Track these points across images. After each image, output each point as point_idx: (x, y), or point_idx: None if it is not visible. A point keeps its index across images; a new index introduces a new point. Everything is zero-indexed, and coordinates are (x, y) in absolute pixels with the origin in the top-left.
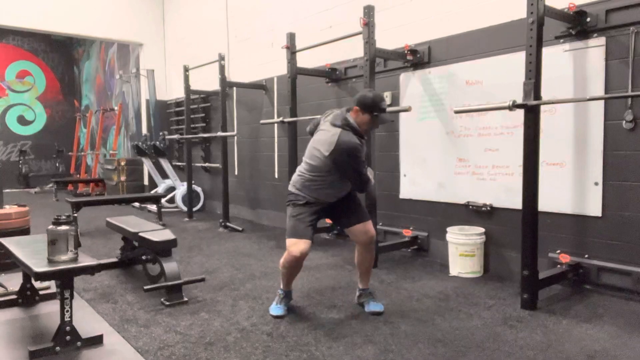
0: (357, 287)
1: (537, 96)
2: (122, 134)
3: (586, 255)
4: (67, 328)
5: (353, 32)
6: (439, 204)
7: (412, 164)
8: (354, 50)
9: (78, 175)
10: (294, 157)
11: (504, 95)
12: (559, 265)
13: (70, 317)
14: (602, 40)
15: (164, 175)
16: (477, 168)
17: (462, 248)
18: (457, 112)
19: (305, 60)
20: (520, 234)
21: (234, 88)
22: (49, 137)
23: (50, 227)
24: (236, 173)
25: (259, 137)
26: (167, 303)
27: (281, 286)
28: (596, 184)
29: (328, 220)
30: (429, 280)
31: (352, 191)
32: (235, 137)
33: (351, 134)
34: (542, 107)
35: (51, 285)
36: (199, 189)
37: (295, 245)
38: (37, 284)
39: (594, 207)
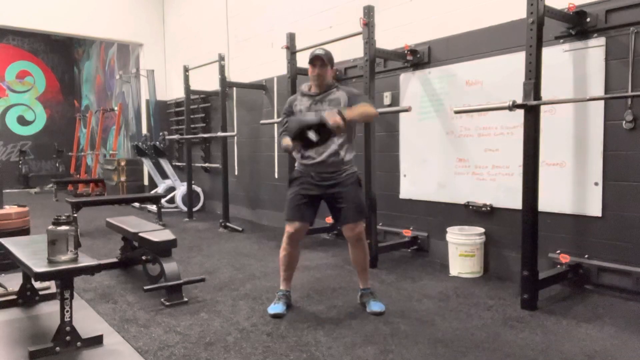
0: (359, 287)
1: (537, 96)
2: (122, 134)
3: (586, 256)
4: (67, 328)
5: (353, 32)
6: (439, 204)
7: (412, 164)
8: (354, 50)
9: (78, 176)
10: (293, 157)
11: (504, 95)
12: (559, 266)
13: (70, 317)
14: (602, 40)
15: (164, 176)
16: (477, 168)
17: (462, 248)
18: (457, 112)
19: (305, 61)
20: (520, 234)
21: (234, 88)
22: (49, 137)
23: (50, 227)
24: (236, 173)
25: (259, 137)
26: (167, 303)
27: (281, 286)
28: (596, 184)
29: (328, 220)
30: (429, 281)
31: (349, 189)
32: (235, 137)
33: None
34: (542, 107)
35: (51, 285)
36: (199, 189)
37: (288, 226)
38: (37, 284)
39: (594, 207)
